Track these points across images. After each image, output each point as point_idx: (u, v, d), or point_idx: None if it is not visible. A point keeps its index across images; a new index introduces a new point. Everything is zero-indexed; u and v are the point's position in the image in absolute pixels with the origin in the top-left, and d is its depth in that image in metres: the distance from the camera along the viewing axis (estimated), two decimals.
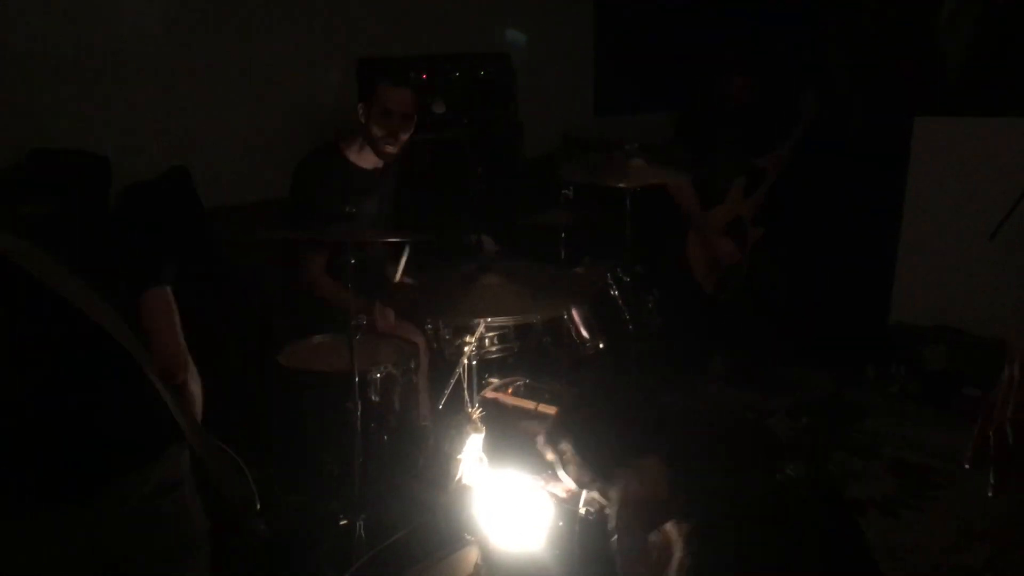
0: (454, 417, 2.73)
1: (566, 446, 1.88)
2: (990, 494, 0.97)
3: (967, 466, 0.99)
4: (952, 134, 4.06)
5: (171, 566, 1.67)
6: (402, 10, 4.28)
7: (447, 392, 2.65)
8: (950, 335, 4.05)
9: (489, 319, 2.67)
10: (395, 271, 3.11)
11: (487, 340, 3.00)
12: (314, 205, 3.07)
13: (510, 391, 3.00)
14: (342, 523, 2.70)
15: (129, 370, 1.57)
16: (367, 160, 3.24)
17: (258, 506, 1.76)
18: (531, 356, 3.15)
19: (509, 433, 2.81)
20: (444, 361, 2.97)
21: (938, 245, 4.11)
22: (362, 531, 2.68)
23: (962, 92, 4.29)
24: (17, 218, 1.65)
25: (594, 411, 1.89)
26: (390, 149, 3.17)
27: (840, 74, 4.59)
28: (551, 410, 2.81)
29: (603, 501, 1.86)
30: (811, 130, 4.34)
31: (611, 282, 3.10)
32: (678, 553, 1.25)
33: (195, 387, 1.78)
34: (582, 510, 2.45)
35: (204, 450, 1.65)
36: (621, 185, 3.27)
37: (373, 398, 2.85)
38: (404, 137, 3.17)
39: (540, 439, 2.05)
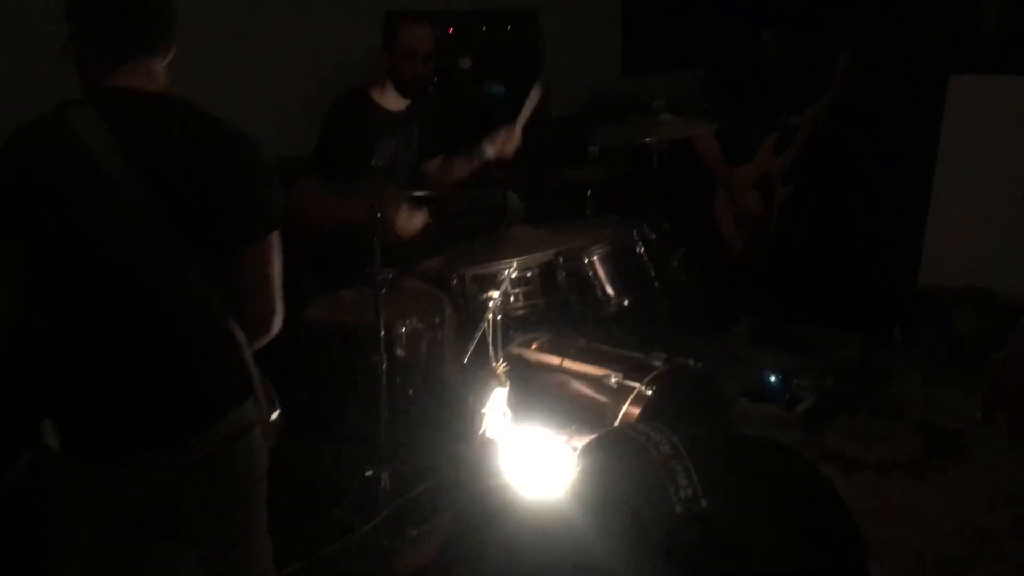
0: (479, 372, 2.75)
1: None
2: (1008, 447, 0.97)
3: (978, 416, 0.99)
4: (987, 92, 3.98)
5: (238, 503, 1.75)
6: None
7: (472, 347, 2.65)
8: (979, 296, 4.00)
9: (515, 262, 2.67)
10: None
11: (512, 297, 3.01)
12: (342, 145, 3.11)
13: (535, 346, 3.02)
14: (368, 474, 2.74)
15: (206, 326, 1.62)
16: (392, 102, 3.29)
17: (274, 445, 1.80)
18: (557, 313, 3.14)
19: (534, 388, 2.83)
20: (470, 316, 2.98)
21: (969, 206, 4.05)
22: (387, 483, 2.71)
23: (998, 50, 4.20)
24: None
25: None
26: (418, 89, 3.26)
27: (874, 31, 4.48)
28: (577, 366, 2.83)
29: None
30: (846, 90, 4.26)
31: (637, 239, 3.08)
32: None
33: (278, 329, 1.75)
34: None
35: (262, 393, 1.73)
36: (648, 141, 3.24)
37: (399, 352, 2.86)
38: (429, 74, 3.24)
39: None
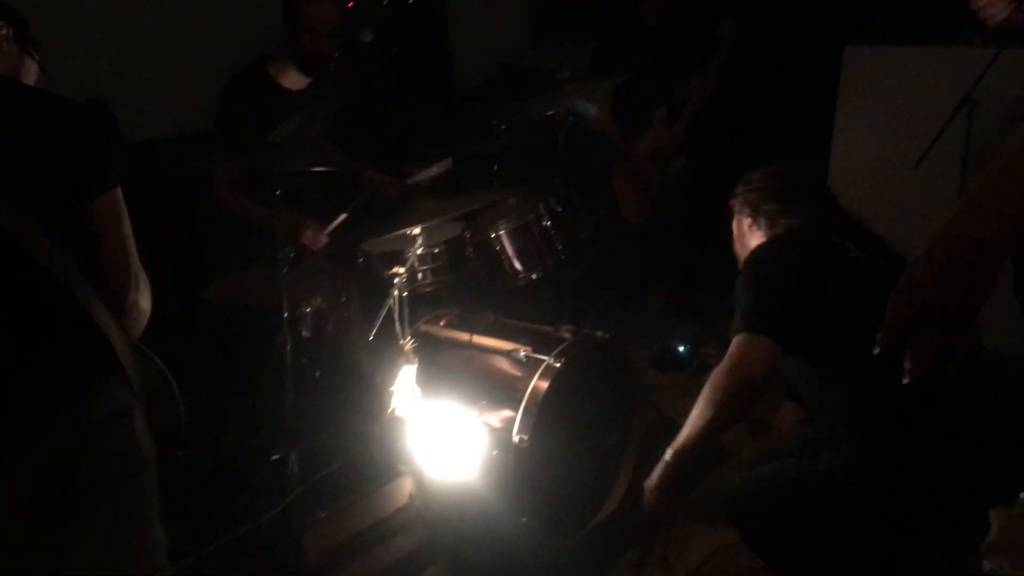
0: (387, 350, 2.72)
1: None
2: (905, 380, 0.99)
3: (875, 351, 1.02)
4: (881, 63, 4.08)
5: (118, 490, 1.65)
6: None
7: (377, 324, 2.62)
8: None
9: (418, 230, 2.64)
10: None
11: (420, 274, 2.98)
12: (239, 126, 3.03)
13: (443, 323, 3.00)
14: (275, 457, 2.69)
15: (59, 297, 1.53)
16: (293, 81, 3.21)
17: (182, 434, 1.74)
18: (465, 288, 3.13)
19: (443, 364, 2.81)
20: (377, 294, 2.94)
21: (867, 174, 4.16)
22: (295, 465, 2.67)
23: (892, 21, 4.30)
24: None
25: None
26: (321, 66, 3.17)
27: (777, 4, 4.55)
28: (486, 340, 2.83)
29: None
30: (734, 58, 4.29)
31: (543, 212, 3.07)
32: None
33: (144, 302, 1.69)
34: (515, 438, 2.48)
35: (136, 374, 1.64)
36: (551, 113, 3.23)
37: (304, 333, 2.81)
38: (332, 51, 3.15)
39: None
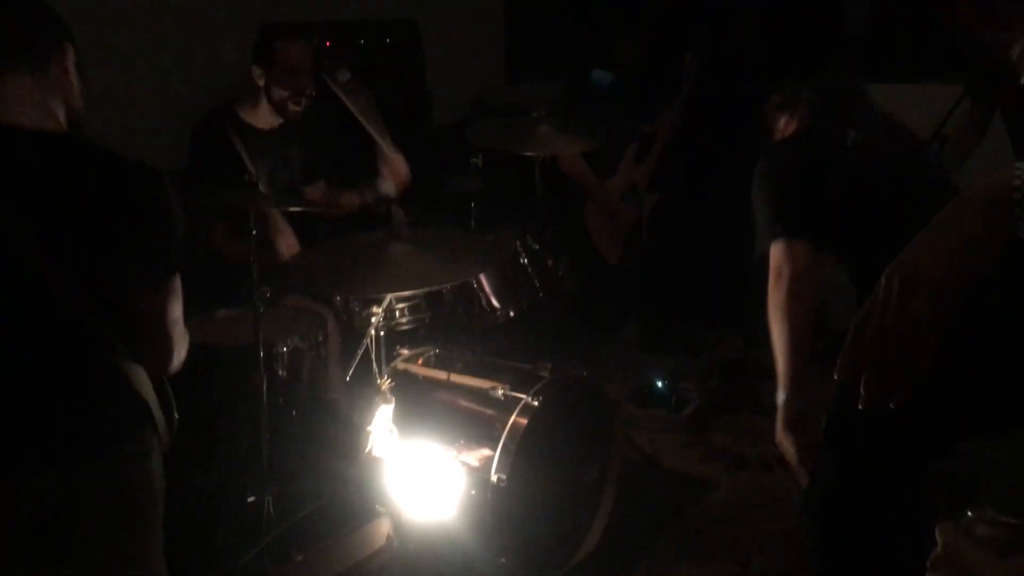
0: (364, 389, 2.70)
1: None
2: (860, 406, 1.01)
3: (836, 377, 1.03)
4: None
5: (127, 526, 1.70)
6: None
7: (354, 364, 2.61)
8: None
9: (395, 294, 2.65)
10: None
11: (397, 311, 2.97)
12: (211, 168, 3.01)
13: (420, 361, 2.98)
14: (250, 499, 2.65)
15: (89, 344, 1.58)
16: (263, 121, 3.21)
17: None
18: (442, 326, 3.12)
19: (420, 403, 2.80)
20: (354, 332, 2.93)
21: None
22: (271, 507, 2.63)
23: (863, 57, 4.38)
24: None
25: None
26: (296, 108, 3.17)
27: (739, 35, 4.62)
28: (463, 379, 2.82)
29: None
30: (698, 93, 4.35)
31: (520, 249, 3.08)
32: None
33: (179, 362, 1.74)
34: (494, 478, 2.47)
35: (161, 416, 1.70)
36: (528, 153, 3.26)
37: (280, 372, 2.79)
38: (308, 93, 3.17)
39: None
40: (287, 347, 2.79)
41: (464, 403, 2.74)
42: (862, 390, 1.01)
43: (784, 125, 2.49)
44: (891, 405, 1.00)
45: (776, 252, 2.09)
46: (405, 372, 2.91)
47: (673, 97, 4.31)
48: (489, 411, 2.64)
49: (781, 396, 2.05)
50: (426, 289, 2.92)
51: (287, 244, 3.05)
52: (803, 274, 2.04)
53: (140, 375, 1.64)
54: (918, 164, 2.29)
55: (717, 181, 4.39)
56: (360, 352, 2.61)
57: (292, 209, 3.03)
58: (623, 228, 4.25)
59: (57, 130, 1.60)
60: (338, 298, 3.07)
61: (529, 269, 3.10)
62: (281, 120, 3.23)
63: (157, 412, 1.69)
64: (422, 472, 2.55)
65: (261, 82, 3.12)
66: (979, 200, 0.98)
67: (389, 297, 2.70)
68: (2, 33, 1.56)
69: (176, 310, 1.66)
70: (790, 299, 2.03)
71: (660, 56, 4.25)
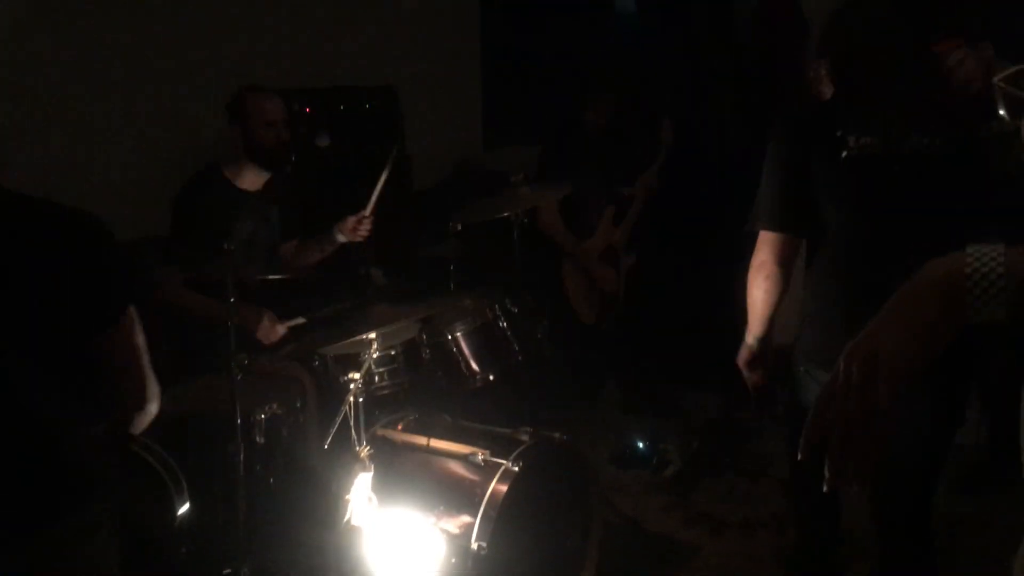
0: (343, 456, 2.68)
1: None
2: (824, 488, 1.02)
3: (799, 458, 1.04)
4: None
5: None
6: (285, 42, 4.22)
7: (333, 431, 2.59)
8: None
9: (374, 335, 2.66)
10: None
11: (377, 376, 2.96)
12: (196, 227, 3.04)
13: (400, 427, 2.96)
14: (227, 572, 2.60)
15: (25, 420, 1.53)
16: (248, 182, 3.24)
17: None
18: (422, 391, 3.11)
19: (400, 470, 2.77)
20: (333, 396, 2.91)
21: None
22: None
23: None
24: None
25: None
26: (278, 155, 3.22)
27: (716, 100, 4.73)
28: (443, 445, 2.80)
29: None
30: (673, 156, 4.44)
31: (499, 314, 3.10)
32: None
33: (154, 407, 1.71)
34: (474, 545, 2.44)
35: (112, 487, 1.65)
36: (507, 215, 3.29)
37: (258, 439, 2.76)
38: (286, 139, 3.23)
39: None
40: (265, 414, 2.77)
41: (444, 469, 2.72)
42: (825, 472, 1.01)
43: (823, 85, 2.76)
44: (853, 487, 1.00)
45: (761, 238, 2.34)
46: (384, 438, 2.89)
47: (649, 161, 4.38)
48: (469, 477, 2.62)
49: (748, 339, 2.48)
50: (404, 339, 2.93)
51: (264, 333, 3.08)
52: (780, 264, 2.33)
53: (77, 438, 1.59)
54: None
55: (695, 242, 4.45)
56: (339, 419, 2.59)
57: (270, 277, 3.03)
58: (600, 289, 4.28)
59: None
60: (316, 362, 3.06)
61: (508, 333, 3.11)
62: (265, 179, 3.27)
63: (105, 481, 1.64)
64: (402, 540, 2.52)
65: (241, 138, 3.16)
66: (932, 286, 1.00)
67: (368, 361, 2.69)
68: None
69: (139, 338, 1.64)
70: (765, 281, 2.35)
71: (629, 119, 4.33)
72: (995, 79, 1.09)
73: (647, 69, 4.71)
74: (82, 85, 3.53)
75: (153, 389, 1.68)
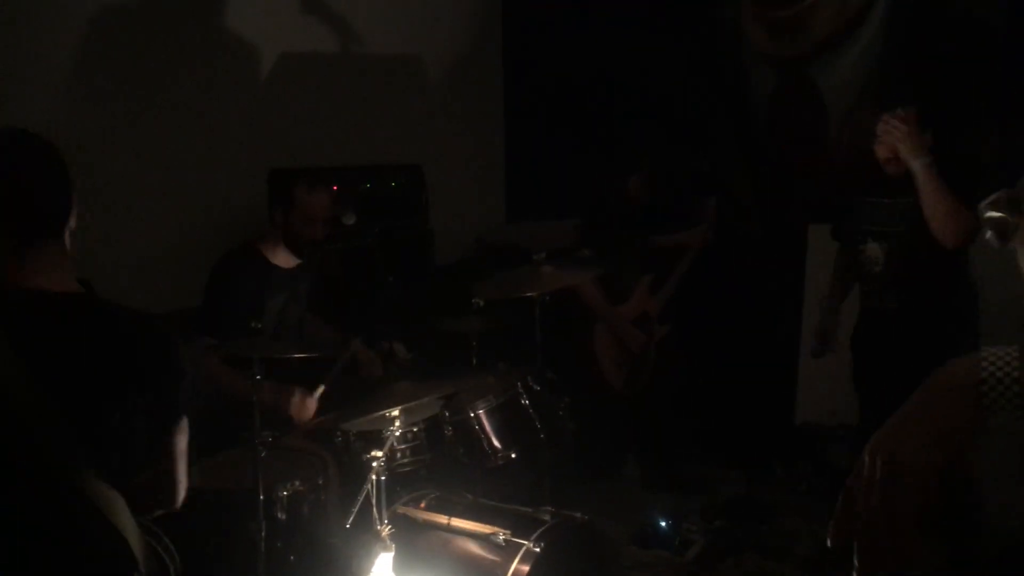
0: (364, 535, 2.67)
1: None
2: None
3: (829, 544, 1.05)
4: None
5: None
6: (313, 122, 4.34)
7: (355, 510, 2.59)
8: (852, 433, 4.16)
9: (397, 411, 2.69)
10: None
11: (399, 453, 2.97)
12: (231, 301, 3.12)
13: (422, 505, 2.96)
14: None
15: (80, 502, 1.55)
16: (283, 259, 3.34)
17: None
18: (443, 467, 3.11)
19: (420, 549, 2.76)
20: (355, 474, 2.92)
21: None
22: None
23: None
24: None
25: None
26: (312, 247, 3.32)
27: (740, 184, 4.79)
28: (464, 524, 2.79)
29: None
30: (713, 235, 4.50)
31: (522, 391, 3.11)
32: None
33: (179, 504, 1.74)
34: None
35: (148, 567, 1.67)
36: (531, 294, 3.32)
37: (280, 515, 2.76)
38: (324, 234, 3.31)
39: None
40: (287, 491, 2.77)
41: (465, 549, 2.71)
42: (855, 561, 1.03)
43: None
44: None
45: None
46: (405, 516, 2.89)
47: (686, 226, 4.46)
48: (490, 557, 2.61)
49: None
50: (428, 415, 2.94)
51: (297, 410, 3.11)
52: None
53: (128, 525, 1.61)
54: None
55: (727, 322, 4.47)
56: (361, 498, 2.60)
57: (296, 355, 3.07)
58: (631, 355, 4.29)
59: (77, 291, 1.65)
60: (339, 438, 3.07)
61: (530, 410, 3.12)
62: (300, 260, 3.37)
63: (144, 561, 1.66)
64: None
65: (281, 224, 3.26)
66: (948, 391, 1.02)
67: (390, 439, 2.71)
68: (41, 204, 1.65)
69: (183, 444, 1.69)
70: None
71: (670, 191, 4.41)
72: (980, 205, 1.12)
73: (685, 144, 4.79)
74: (120, 162, 3.63)
75: (182, 493, 1.71)
